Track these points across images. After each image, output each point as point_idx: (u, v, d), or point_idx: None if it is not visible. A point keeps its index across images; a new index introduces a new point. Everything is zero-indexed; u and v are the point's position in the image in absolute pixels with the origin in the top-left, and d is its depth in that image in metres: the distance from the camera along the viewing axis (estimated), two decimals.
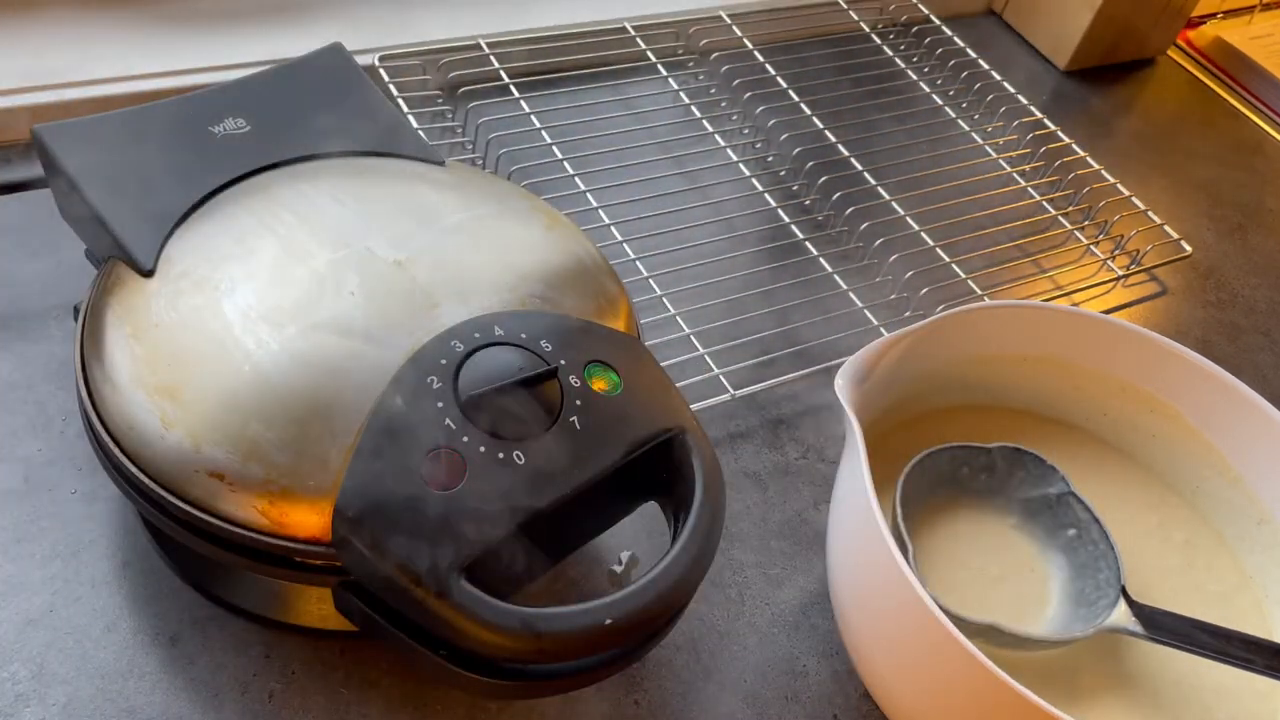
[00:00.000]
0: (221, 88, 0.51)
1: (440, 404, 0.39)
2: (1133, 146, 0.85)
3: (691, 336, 0.59)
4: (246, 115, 0.49)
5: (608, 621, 0.36)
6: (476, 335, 0.41)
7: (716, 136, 0.73)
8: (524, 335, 0.42)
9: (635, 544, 0.50)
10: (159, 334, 0.40)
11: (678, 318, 0.60)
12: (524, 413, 0.40)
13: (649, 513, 0.45)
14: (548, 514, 0.39)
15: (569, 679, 0.39)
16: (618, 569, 0.45)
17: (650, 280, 0.61)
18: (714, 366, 0.58)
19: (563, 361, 0.41)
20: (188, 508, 0.38)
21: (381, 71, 0.68)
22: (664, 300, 0.61)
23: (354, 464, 0.37)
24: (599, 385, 0.42)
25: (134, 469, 0.39)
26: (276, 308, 0.41)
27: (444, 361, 0.40)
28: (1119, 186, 0.76)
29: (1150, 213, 0.75)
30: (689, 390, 0.56)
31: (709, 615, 0.50)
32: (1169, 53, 0.96)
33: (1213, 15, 1.00)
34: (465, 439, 0.38)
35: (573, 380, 0.41)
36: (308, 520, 0.37)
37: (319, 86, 0.52)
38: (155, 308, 0.41)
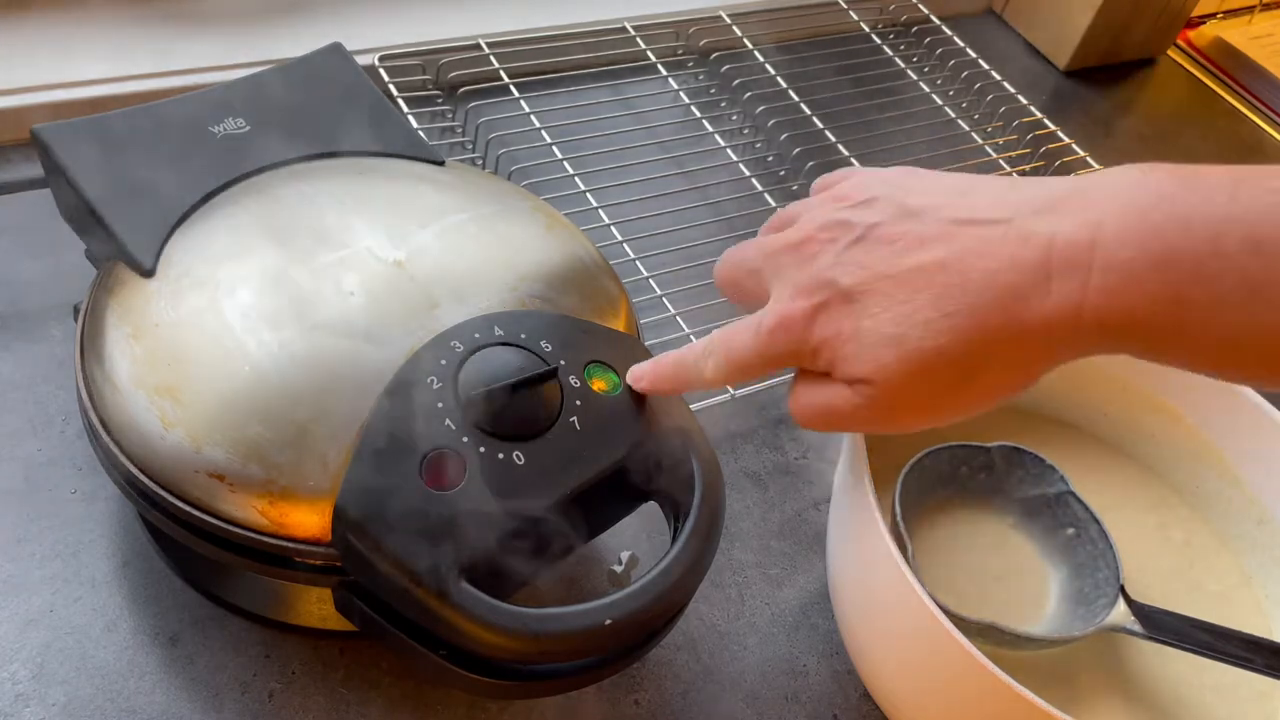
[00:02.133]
0: (221, 88, 0.51)
1: (440, 404, 0.39)
2: (1133, 146, 0.85)
3: (691, 336, 0.59)
4: (246, 115, 0.49)
5: (607, 622, 0.36)
6: (476, 336, 0.41)
7: (716, 136, 0.73)
8: (524, 335, 0.42)
9: (635, 544, 0.50)
10: (159, 334, 0.40)
11: (678, 318, 0.60)
12: (524, 413, 0.40)
13: (649, 513, 0.45)
14: (548, 514, 0.39)
15: (569, 679, 0.40)
16: (618, 569, 0.45)
17: (650, 280, 0.61)
18: None
19: (562, 362, 0.41)
20: (188, 508, 0.38)
21: (381, 71, 0.68)
22: (664, 300, 0.61)
23: (354, 464, 0.37)
24: (599, 385, 0.42)
25: (134, 469, 0.39)
26: (276, 308, 0.41)
27: (444, 362, 0.40)
28: None
29: None
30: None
31: (709, 615, 0.50)
32: (1169, 53, 0.96)
33: (1213, 15, 1.00)
34: (465, 439, 0.38)
35: (572, 380, 0.41)
36: (308, 520, 0.37)
37: (319, 86, 0.52)
38: (155, 308, 0.41)
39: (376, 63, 0.68)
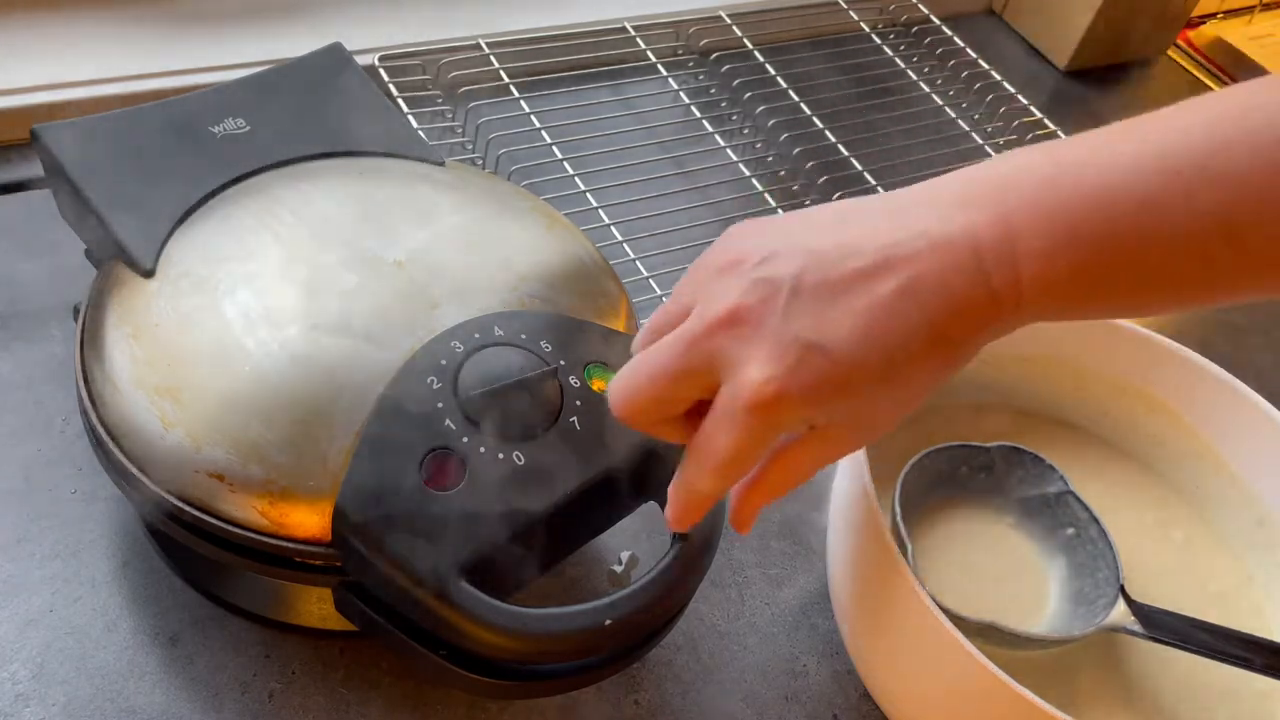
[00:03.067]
0: (221, 88, 0.51)
1: (440, 404, 0.39)
2: None
3: None
4: (246, 115, 0.49)
5: (607, 622, 0.36)
6: (476, 336, 0.41)
7: (716, 136, 0.73)
8: (524, 336, 0.42)
9: (635, 544, 0.50)
10: (159, 334, 0.40)
11: None
12: (524, 413, 0.40)
13: (649, 513, 0.45)
14: (548, 514, 0.39)
15: (569, 679, 0.40)
16: (618, 569, 0.45)
17: (650, 280, 0.61)
18: None
19: (562, 362, 0.41)
20: (188, 508, 0.38)
21: (381, 71, 0.68)
22: (664, 300, 0.60)
23: (354, 465, 0.37)
24: (599, 385, 0.42)
25: (134, 469, 0.39)
26: (276, 308, 0.41)
27: (444, 362, 0.40)
28: None
29: None
30: None
31: (709, 615, 0.50)
32: (1169, 53, 0.96)
33: (1213, 15, 1.00)
34: (465, 439, 0.38)
35: (572, 381, 0.41)
36: (308, 521, 0.37)
37: (319, 86, 0.52)
38: (155, 308, 0.41)
39: (376, 63, 0.68)
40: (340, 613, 0.41)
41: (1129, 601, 0.45)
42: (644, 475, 0.42)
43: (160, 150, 0.47)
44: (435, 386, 0.39)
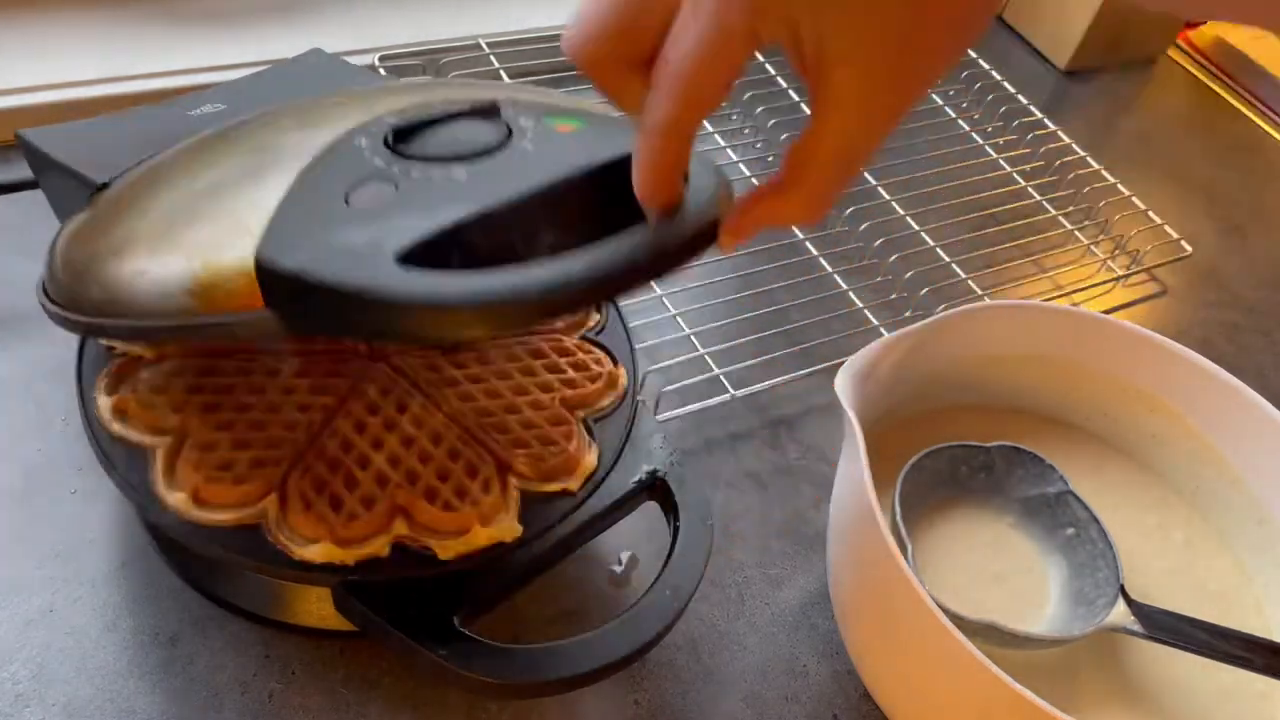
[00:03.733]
0: (211, 91, 0.51)
1: (366, 147, 0.37)
2: (1133, 146, 0.85)
3: (691, 336, 0.59)
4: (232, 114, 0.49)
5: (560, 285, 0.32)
6: (418, 111, 0.38)
7: (716, 136, 0.73)
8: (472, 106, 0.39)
9: (635, 544, 0.50)
10: (106, 202, 0.40)
11: (677, 318, 0.60)
12: (463, 139, 0.37)
13: (649, 512, 0.45)
14: (499, 219, 0.34)
15: (569, 680, 0.39)
16: (618, 569, 0.45)
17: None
18: (714, 366, 0.58)
19: (514, 113, 0.38)
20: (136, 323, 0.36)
21: (381, 71, 0.68)
22: (664, 300, 0.61)
23: (274, 221, 0.34)
24: (563, 128, 0.38)
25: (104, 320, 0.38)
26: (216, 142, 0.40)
27: (374, 129, 0.38)
28: (1119, 186, 0.76)
29: (1150, 213, 0.75)
30: (689, 390, 0.56)
31: (709, 615, 0.50)
32: (1169, 53, 0.96)
33: None
34: (395, 169, 0.36)
35: (524, 120, 0.38)
36: (236, 284, 0.34)
37: (310, 87, 0.52)
38: (106, 195, 0.41)
39: (376, 63, 0.68)
40: (340, 612, 0.41)
41: (1129, 601, 0.45)
42: (613, 196, 0.35)
43: (145, 147, 0.47)
44: (363, 144, 0.37)
